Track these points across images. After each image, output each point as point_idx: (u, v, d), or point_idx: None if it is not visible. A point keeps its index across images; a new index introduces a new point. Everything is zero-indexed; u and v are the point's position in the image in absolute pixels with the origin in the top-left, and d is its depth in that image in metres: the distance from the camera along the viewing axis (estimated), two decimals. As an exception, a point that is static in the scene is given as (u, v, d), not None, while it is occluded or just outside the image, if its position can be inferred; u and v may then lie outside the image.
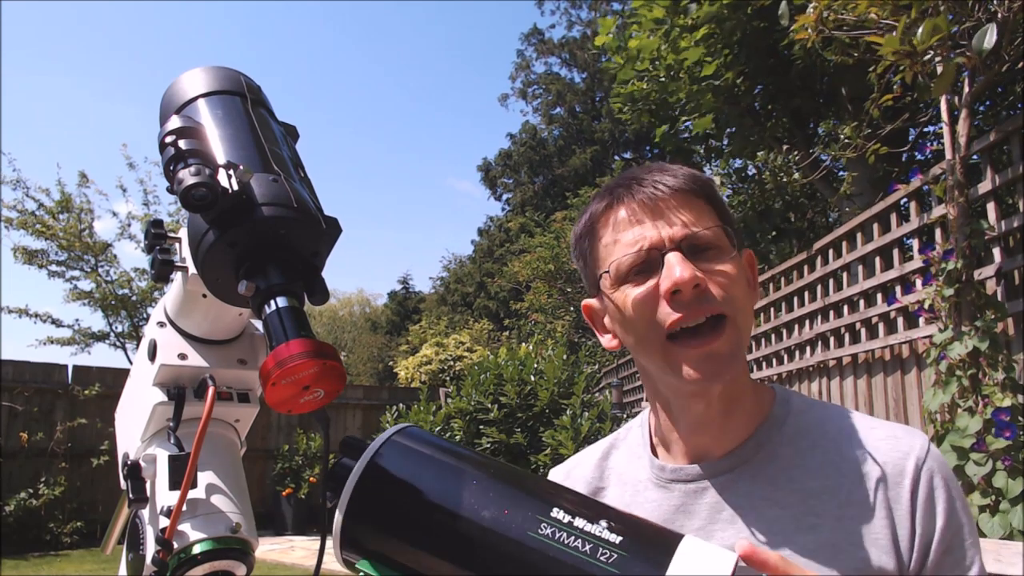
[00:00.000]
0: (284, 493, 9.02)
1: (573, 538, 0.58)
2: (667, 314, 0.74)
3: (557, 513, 0.60)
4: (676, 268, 0.73)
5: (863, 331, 4.38)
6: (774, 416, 0.83)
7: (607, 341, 0.86)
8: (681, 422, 0.83)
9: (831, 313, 4.79)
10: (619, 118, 6.20)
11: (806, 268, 5.18)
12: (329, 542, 0.67)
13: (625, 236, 0.77)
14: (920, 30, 2.61)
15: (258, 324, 0.83)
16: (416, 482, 0.66)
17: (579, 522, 0.59)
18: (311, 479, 9.02)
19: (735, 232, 0.81)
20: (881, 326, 4.17)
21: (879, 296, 4.24)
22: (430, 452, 0.69)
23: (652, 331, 0.76)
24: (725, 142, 6.23)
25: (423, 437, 0.71)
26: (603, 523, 0.59)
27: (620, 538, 0.58)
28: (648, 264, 0.76)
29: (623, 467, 0.90)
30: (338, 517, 0.65)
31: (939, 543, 0.73)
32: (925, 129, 5.77)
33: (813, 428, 0.82)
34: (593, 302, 0.87)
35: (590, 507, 0.63)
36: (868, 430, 0.80)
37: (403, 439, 0.70)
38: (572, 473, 0.95)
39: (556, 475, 0.97)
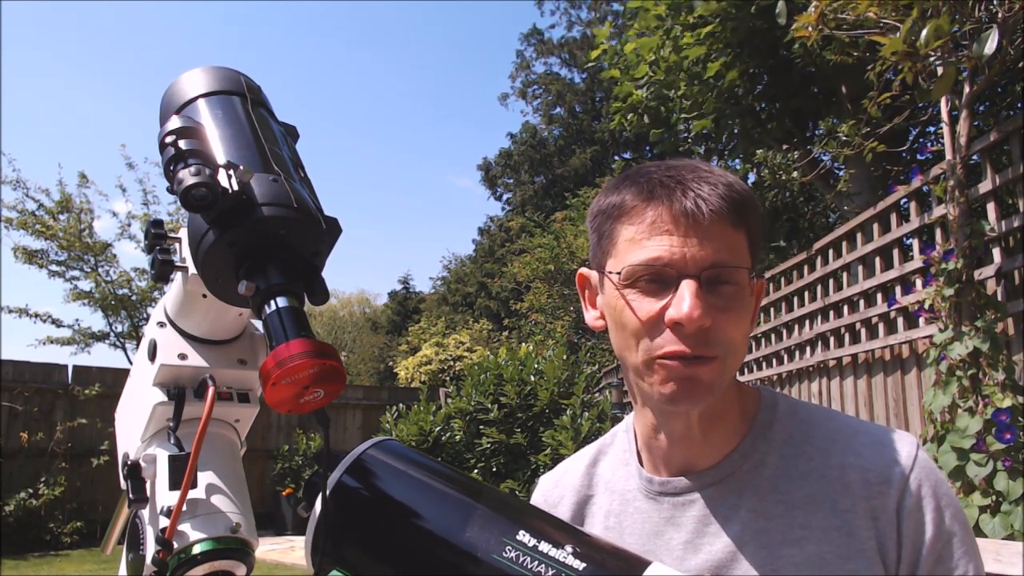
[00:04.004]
0: (284, 493, 9.01)
1: (536, 563, 0.59)
2: (666, 340, 0.72)
3: (523, 536, 0.61)
4: (686, 303, 0.70)
5: (863, 331, 4.38)
6: (760, 423, 0.81)
7: (592, 319, 0.84)
8: (664, 433, 0.82)
9: (831, 313, 4.79)
10: (620, 120, 6.18)
11: (806, 268, 5.18)
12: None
13: (649, 242, 0.74)
14: (923, 32, 2.60)
15: (258, 324, 0.83)
16: (384, 498, 0.67)
17: (544, 546, 0.60)
18: (311, 479, 9.02)
19: (757, 259, 0.78)
20: (881, 326, 4.17)
21: (879, 296, 4.24)
22: (402, 468, 0.70)
23: (645, 345, 0.74)
24: (724, 142, 6.22)
25: (398, 451, 0.72)
26: (568, 548, 0.60)
27: (584, 564, 0.58)
28: (662, 278, 0.73)
29: (610, 475, 0.89)
30: (310, 527, 0.66)
31: (929, 554, 0.72)
32: (926, 129, 5.77)
33: (799, 434, 0.80)
34: (591, 274, 0.85)
35: (557, 531, 0.63)
36: (854, 435, 0.78)
37: (377, 453, 0.70)
38: (561, 481, 0.94)
39: (546, 482, 0.96)
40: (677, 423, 0.80)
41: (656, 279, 0.74)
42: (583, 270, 0.87)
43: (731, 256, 0.74)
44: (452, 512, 0.65)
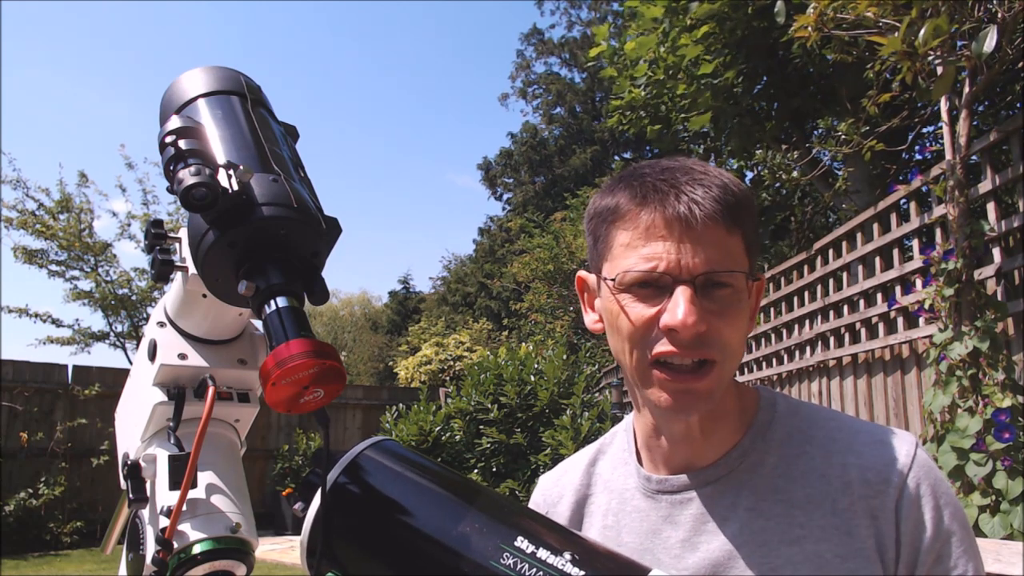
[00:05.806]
0: (284, 493, 8.97)
1: (535, 570, 0.58)
2: (659, 344, 0.73)
3: (521, 542, 0.60)
4: (681, 309, 0.70)
5: (863, 331, 4.38)
6: (759, 422, 0.82)
7: (591, 322, 0.85)
8: (663, 433, 0.82)
9: (831, 313, 4.79)
10: (619, 118, 6.18)
11: (806, 268, 5.18)
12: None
13: (644, 248, 0.74)
14: (922, 32, 2.60)
15: (258, 324, 0.83)
16: (380, 499, 0.67)
17: (542, 553, 0.59)
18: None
19: (754, 260, 0.78)
20: (881, 326, 4.17)
21: (879, 296, 4.24)
22: (399, 469, 0.69)
23: (639, 349, 0.75)
24: (723, 142, 6.22)
25: (396, 452, 0.71)
26: (567, 555, 0.59)
27: (583, 572, 0.58)
28: (657, 284, 0.73)
29: (609, 474, 0.90)
30: (306, 527, 0.66)
31: (928, 553, 0.72)
32: (924, 129, 5.77)
33: (799, 433, 0.80)
34: (589, 277, 0.85)
35: (556, 536, 0.63)
36: (854, 435, 0.78)
37: (374, 454, 0.70)
38: (561, 480, 0.94)
39: (546, 481, 0.97)
40: (677, 426, 0.80)
41: (651, 284, 0.74)
42: (582, 273, 0.87)
43: (726, 260, 0.73)
44: (448, 516, 0.64)
